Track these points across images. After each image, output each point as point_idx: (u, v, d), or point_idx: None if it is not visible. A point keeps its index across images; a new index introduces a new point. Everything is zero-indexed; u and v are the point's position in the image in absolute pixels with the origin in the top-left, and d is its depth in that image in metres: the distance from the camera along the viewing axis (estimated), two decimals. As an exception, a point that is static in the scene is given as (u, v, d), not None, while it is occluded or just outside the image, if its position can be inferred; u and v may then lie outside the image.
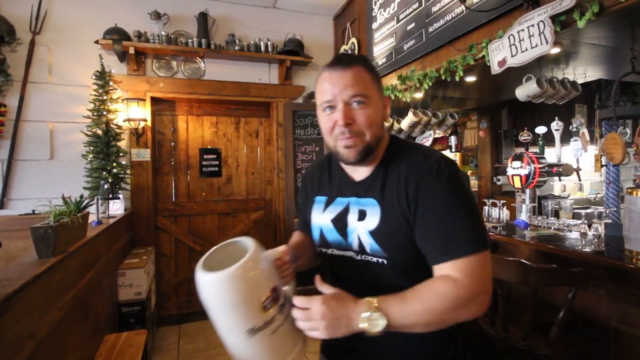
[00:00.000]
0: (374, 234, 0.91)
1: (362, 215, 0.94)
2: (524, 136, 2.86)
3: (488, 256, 0.84)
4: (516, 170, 2.55)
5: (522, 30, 1.66)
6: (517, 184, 2.56)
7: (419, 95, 2.92)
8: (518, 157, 2.56)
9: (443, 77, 2.27)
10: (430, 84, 2.40)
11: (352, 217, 0.96)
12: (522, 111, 4.85)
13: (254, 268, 0.80)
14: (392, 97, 2.89)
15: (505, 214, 2.57)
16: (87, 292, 1.97)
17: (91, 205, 2.02)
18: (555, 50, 1.84)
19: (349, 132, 0.89)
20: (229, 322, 0.79)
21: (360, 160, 0.92)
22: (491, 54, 1.87)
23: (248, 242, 0.87)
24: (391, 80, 2.99)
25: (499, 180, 4.72)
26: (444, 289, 0.79)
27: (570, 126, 2.63)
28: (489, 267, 0.84)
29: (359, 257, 0.94)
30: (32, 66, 3.27)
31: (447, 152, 6.88)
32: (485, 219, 2.60)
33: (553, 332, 1.42)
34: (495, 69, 1.86)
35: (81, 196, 1.98)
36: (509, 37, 1.75)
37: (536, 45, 1.63)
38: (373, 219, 0.92)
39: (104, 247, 2.42)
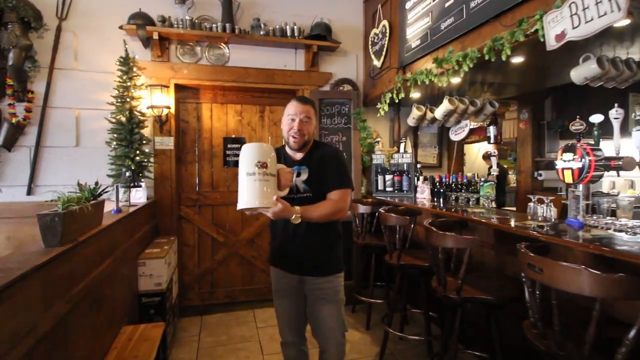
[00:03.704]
0: (305, 182, 1.84)
1: (298, 174, 1.84)
2: (576, 125, 2.56)
3: (349, 191, 1.85)
4: (568, 163, 2.26)
5: (588, -4, 1.41)
6: (569, 178, 2.27)
7: (455, 80, 2.66)
8: (570, 149, 2.27)
9: (487, 57, 2.02)
10: (470, 65, 2.15)
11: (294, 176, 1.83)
12: (569, 101, 4.46)
13: (258, 149, 1.62)
14: (427, 82, 2.66)
15: (552, 212, 2.30)
16: (102, 283, 1.89)
17: (107, 192, 1.94)
18: (625, 22, 1.57)
19: (298, 133, 1.80)
20: (243, 165, 1.60)
21: (299, 148, 1.85)
22: (547, 27, 1.61)
23: (267, 145, 1.69)
24: (425, 64, 2.76)
25: (540, 175, 4.35)
26: (328, 203, 1.78)
27: (634, 114, 2.31)
28: (349, 196, 1.85)
29: (298, 195, 1.83)
30: (58, 52, 3.25)
31: (484, 145, 6.51)
32: (529, 217, 2.34)
33: (621, 354, 1.19)
34: (552, 44, 1.61)
35: (96, 183, 1.90)
36: (569, 6, 1.49)
37: (605, 14, 1.37)
38: (304, 175, 1.84)
39: (122, 236, 2.35)
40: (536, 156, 4.51)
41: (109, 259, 2.01)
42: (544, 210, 2.31)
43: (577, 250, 1.75)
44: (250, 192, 1.56)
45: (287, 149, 1.91)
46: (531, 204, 2.35)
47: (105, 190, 1.91)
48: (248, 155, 1.59)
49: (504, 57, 1.89)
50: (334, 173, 1.82)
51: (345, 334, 1.90)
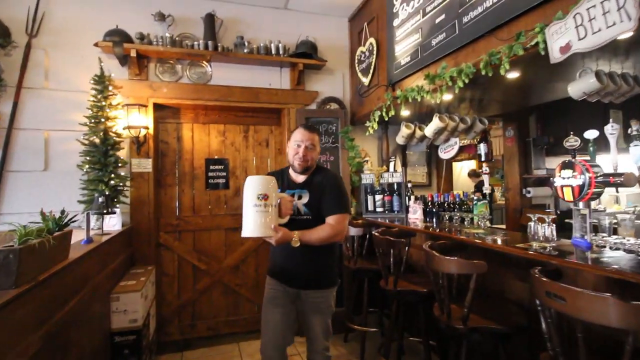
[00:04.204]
0: (305, 205, 1.99)
1: (299, 197, 2.00)
2: (570, 142, 2.50)
3: (347, 216, 1.97)
4: (567, 180, 2.19)
5: (594, 6, 1.35)
6: (569, 196, 2.20)
7: (447, 97, 2.60)
8: (569, 165, 2.20)
9: (483, 72, 1.95)
10: (466, 81, 2.08)
11: (295, 198, 2.00)
12: (553, 118, 4.49)
13: (261, 181, 1.80)
14: (418, 99, 2.58)
15: (554, 231, 2.20)
16: (67, 326, 1.66)
17: (74, 221, 1.73)
18: (627, 34, 1.51)
19: (302, 158, 1.96)
20: (247, 197, 1.78)
21: (302, 171, 2.01)
22: (550, 39, 1.55)
23: (269, 177, 1.88)
24: (416, 81, 2.69)
25: (529, 192, 4.34)
26: (326, 227, 1.91)
27: (630, 129, 2.28)
28: (346, 220, 1.97)
29: (298, 217, 1.98)
30: (27, 71, 3.05)
31: (467, 163, 6.53)
32: (530, 237, 2.24)
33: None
34: (556, 57, 1.54)
35: (62, 211, 1.69)
36: (574, 17, 1.43)
37: (613, 24, 1.31)
38: (305, 198, 1.99)
39: (93, 269, 2.12)
40: (523, 173, 4.49)
41: (76, 297, 1.78)
42: (545, 230, 2.22)
43: (585, 272, 1.64)
44: (254, 222, 1.76)
45: (291, 171, 2.08)
46: (532, 224, 2.26)
47: (73, 220, 1.70)
48: (251, 188, 1.78)
49: (502, 72, 1.82)
50: (333, 198, 1.96)
51: (329, 339, 2.07)
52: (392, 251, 2.51)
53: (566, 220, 2.38)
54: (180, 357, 3.23)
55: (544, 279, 1.30)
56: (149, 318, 2.80)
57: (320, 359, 2.02)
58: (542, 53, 1.64)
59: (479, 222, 2.81)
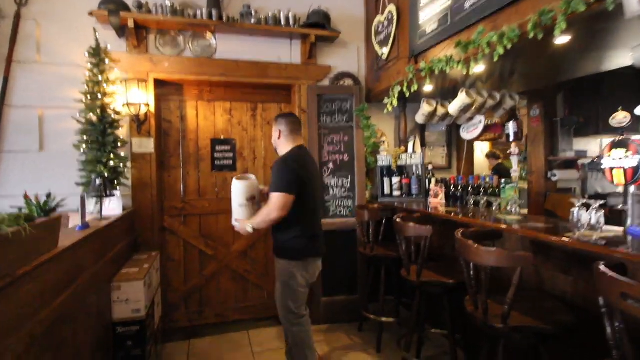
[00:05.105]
0: None
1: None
2: (619, 118, 2.24)
3: (279, 194, 2.12)
4: (619, 161, 1.94)
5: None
6: (619, 179, 1.95)
7: (479, 69, 2.32)
8: (621, 144, 1.95)
9: (531, 35, 1.68)
10: (508, 46, 1.81)
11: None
12: (583, 96, 4.18)
13: (250, 186, 2.34)
14: (447, 70, 2.31)
15: (601, 219, 1.96)
16: (58, 324, 1.48)
17: (61, 206, 1.53)
18: None
19: None
20: (236, 200, 2.33)
21: None
22: (627, -12, 1.28)
23: (253, 177, 2.43)
24: (444, 51, 2.41)
25: (554, 175, 4.06)
26: (266, 208, 2.20)
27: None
28: (277, 199, 2.13)
29: None
30: (17, 43, 2.82)
31: (484, 143, 6.17)
32: (572, 224, 2.00)
33: None
34: (634, 10, 1.27)
35: (48, 195, 1.49)
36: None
37: None
38: None
39: (90, 257, 1.94)
40: (549, 155, 4.22)
41: (69, 289, 1.60)
42: (590, 217, 1.98)
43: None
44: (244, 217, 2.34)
45: None
46: (575, 210, 2.02)
47: (60, 205, 1.50)
48: (241, 191, 2.33)
49: (557, 33, 1.54)
50: (272, 181, 2.21)
51: (290, 319, 2.25)
52: (416, 240, 2.29)
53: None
54: (188, 345, 3.09)
55: (622, 279, 1.07)
56: (153, 307, 2.64)
57: (281, 319, 2.31)
58: (610, 8, 1.36)
59: (510, 207, 2.57)
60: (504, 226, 2.03)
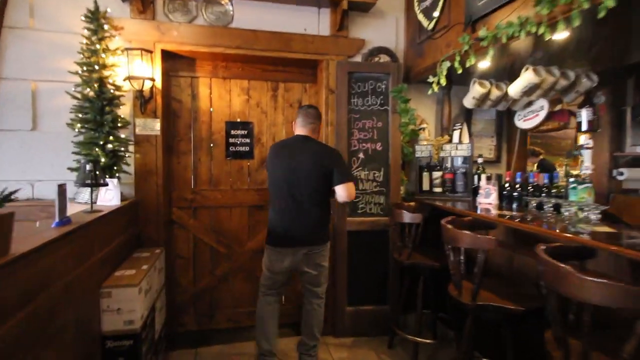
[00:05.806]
0: None
1: None
2: None
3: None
4: None
5: None
6: None
7: (562, 36, 1.79)
8: None
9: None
10: (613, 4, 1.29)
11: None
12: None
13: None
14: (522, 36, 1.79)
15: None
16: (11, 349, 1.10)
17: (13, 200, 1.14)
18: None
19: None
20: None
21: None
22: None
23: None
24: (515, 12, 1.89)
25: (621, 174, 3.46)
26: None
27: None
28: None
29: None
30: (8, 6, 2.47)
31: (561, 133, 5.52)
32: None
33: None
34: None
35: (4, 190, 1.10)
36: None
37: None
38: None
39: (67, 261, 1.56)
40: (615, 150, 3.61)
41: (29, 306, 1.22)
42: None
43: None
44: None
45: None
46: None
47: (10, 198, 1.11)
48: None
49: None
50: None
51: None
52: (471, 251, 1.82)
53: None
54: (195, 354, 2.74)
55: None
56: (153, 313, 2.29)
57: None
58: None
59: (587, 214, 2.05)
60: (607, 245, 1.49)
